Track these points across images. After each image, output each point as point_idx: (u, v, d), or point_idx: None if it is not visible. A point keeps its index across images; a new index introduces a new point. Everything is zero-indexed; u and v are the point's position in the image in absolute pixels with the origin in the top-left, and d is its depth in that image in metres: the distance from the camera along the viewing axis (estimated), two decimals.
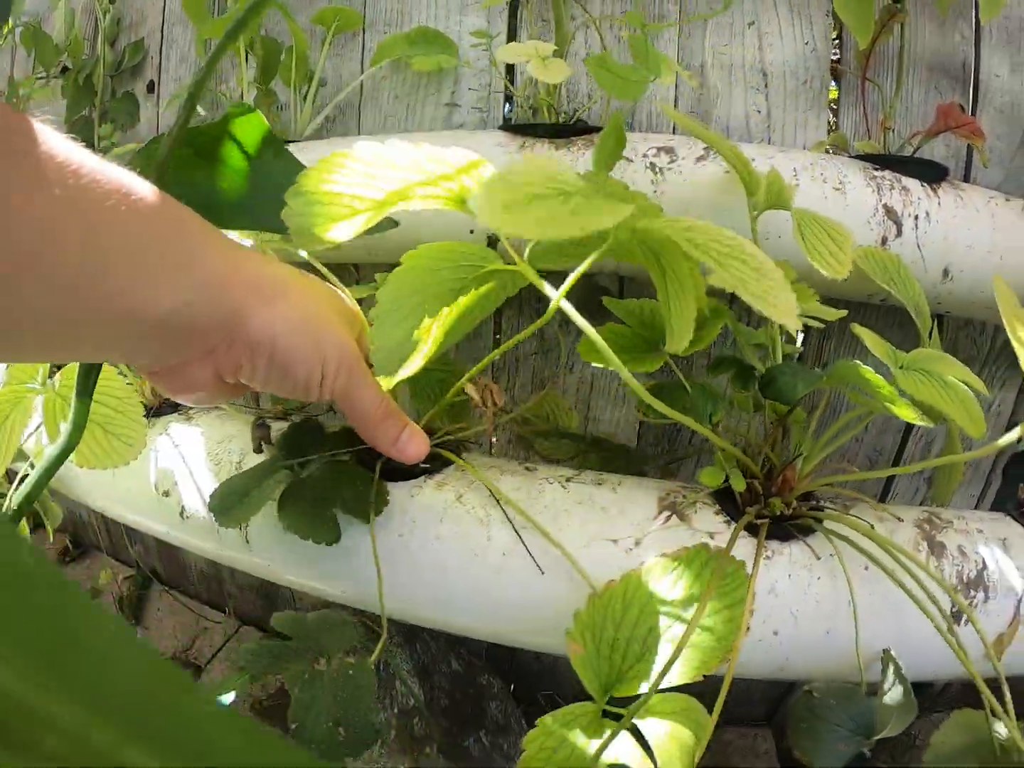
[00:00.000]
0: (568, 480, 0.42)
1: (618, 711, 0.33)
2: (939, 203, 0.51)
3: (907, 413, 0.32)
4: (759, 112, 0.58)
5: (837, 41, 0.61)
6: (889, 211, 0.50)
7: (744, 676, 0.41)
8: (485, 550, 0.40)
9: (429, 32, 0.58)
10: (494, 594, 0.40)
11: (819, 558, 0.38)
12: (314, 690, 0.39)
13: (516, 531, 0.40)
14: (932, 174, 0.53)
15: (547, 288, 0.29)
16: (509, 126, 0.50)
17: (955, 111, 0.51)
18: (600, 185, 0.30)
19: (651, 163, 0.47)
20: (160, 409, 0.53)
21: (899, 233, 0.50)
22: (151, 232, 0.20)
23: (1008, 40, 0.62)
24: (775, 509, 0.38)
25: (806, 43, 0.59)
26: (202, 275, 0.22)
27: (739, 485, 0.37)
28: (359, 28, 0.58)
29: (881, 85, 0.58)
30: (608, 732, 0.32)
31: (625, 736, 0.33)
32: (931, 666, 0.40)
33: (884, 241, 0.49)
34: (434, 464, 0.43)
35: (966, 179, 0.62)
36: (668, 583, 0.36)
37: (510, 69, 0.57)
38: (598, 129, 0.50)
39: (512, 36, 0.57)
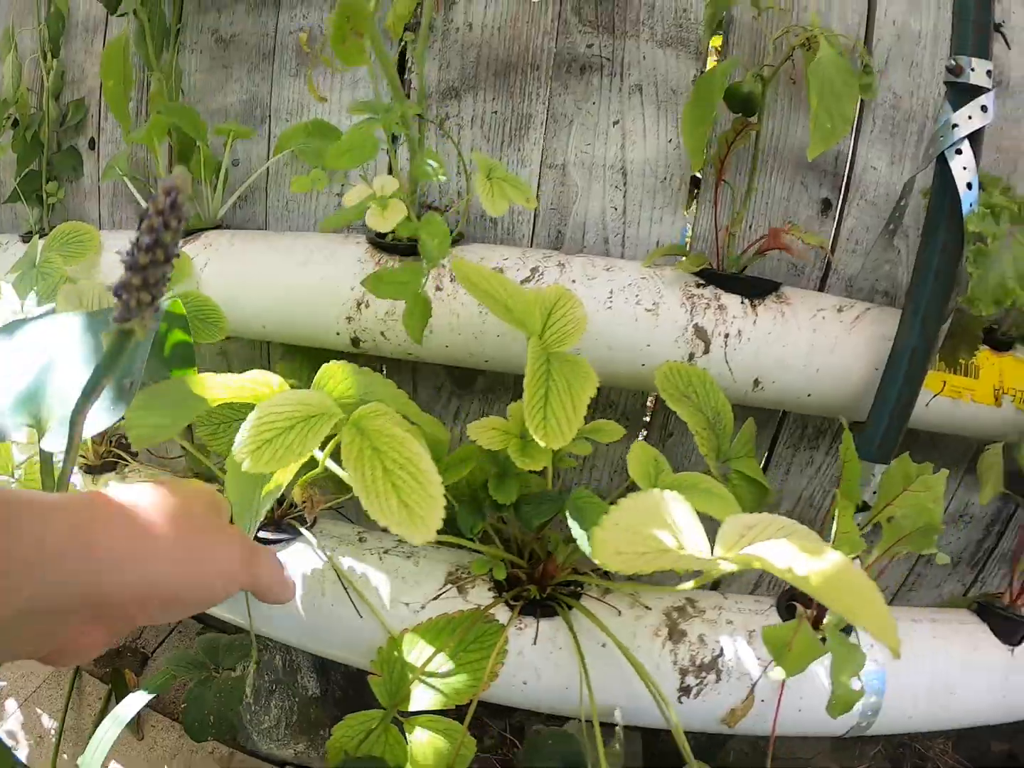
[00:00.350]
0: (386, 552, 0.59)
1: (399, 718, 0.52)
2: (755, 320, 0.61)
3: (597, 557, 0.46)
4: (615, 209, 0.68)
5: None
6: (699, 330, 0.61)
7: (512, 706, 0.59)
8: (321, 601, 0.58)
9: (324, 125, 0.69)
10: (328, 631, 0.59)
11: (561, 633, 0.54)
12: (204, 689, 0.60)
13: (345, 589, 0.57)
14: (758, 290, 0.62)
15: (317, 454, 0.44)
16: (373, 240, 0.63)
17: (781, 235, 0.61)
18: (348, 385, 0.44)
19: None
20: (101, 468, 0.72)
21: (707, 350, 0.61)
22: None
23: (892, 131, 0.68)
24: (532, 594, 0.54)
25: (669, 140, 0.67)
26: (48, 555, 0.21)
27: (499, 575, 0.53)
28: (253, 137, 0.70)
29: (738, 188, 0.67)
30: (382, 729, 0.50)
31: (397, 734, 0.52)
32: (656, 719, 0.56)
33: (691, 357, 0.61)
34: (292, 533, 0.61)
35: (828, 267, 0.70)
36: (444, 635, 0.53)
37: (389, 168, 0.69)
38: (454, 241, 0.62)
39: (393, 140, 0.68)
